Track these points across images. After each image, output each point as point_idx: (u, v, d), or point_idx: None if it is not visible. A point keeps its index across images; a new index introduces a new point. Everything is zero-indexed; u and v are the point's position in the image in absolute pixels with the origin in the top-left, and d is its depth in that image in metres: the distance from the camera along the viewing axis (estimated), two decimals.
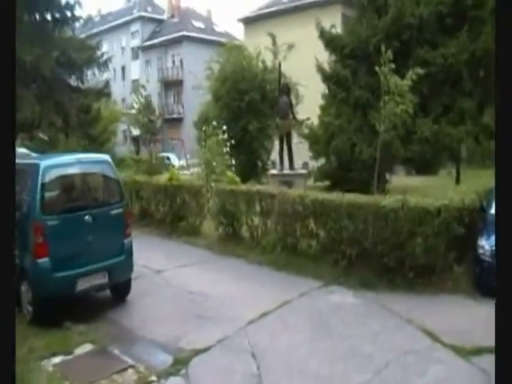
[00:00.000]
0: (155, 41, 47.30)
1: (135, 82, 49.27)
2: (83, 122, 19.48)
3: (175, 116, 44.81)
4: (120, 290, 7.09)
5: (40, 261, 6.00)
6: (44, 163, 6.25)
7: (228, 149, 16.87)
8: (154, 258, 9.32)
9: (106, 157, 7.00)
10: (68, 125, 19.40)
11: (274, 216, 8.99)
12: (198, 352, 5.52)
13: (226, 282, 7.88)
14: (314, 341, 5.72)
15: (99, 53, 21.17)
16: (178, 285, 7.78)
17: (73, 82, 19.60)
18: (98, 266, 6.40)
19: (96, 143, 21.43)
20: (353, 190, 9.25)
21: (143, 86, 34.72)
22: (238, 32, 17.94)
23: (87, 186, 6.72)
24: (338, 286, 7.44)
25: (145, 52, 48.60)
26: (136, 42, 49.08)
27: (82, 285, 6.29)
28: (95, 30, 51.37)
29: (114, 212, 6.58)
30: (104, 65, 20.30)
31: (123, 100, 46.21)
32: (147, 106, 44.10)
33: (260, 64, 16.92)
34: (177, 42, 45.31)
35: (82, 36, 22.67)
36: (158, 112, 44.98)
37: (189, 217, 11.38)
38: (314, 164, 17.73)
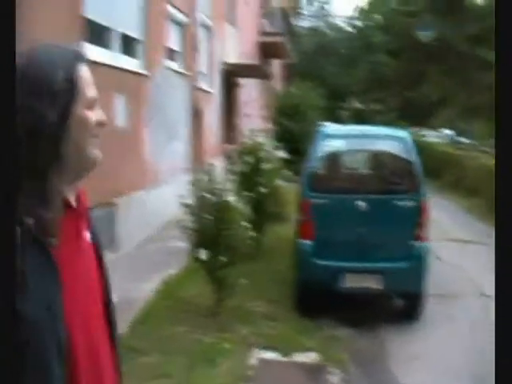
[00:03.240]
0: None
1: None
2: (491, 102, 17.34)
3: None
4: (406, 305, 5.59)
5: (302, 242, 5.25)
6: (319, 132, 5.34)
7: None
8: None
9: (402, 133, 5.42)
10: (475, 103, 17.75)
11: None
12: None
13: None
14: None
15: None
16: None
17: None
18: (370, 266, 5.15)
19: None
20: None
21: None
22: None
23: (368, 165, 5.40)
24: None
25: None
26: None
27: (349, 282, 5.19)
28: None
29: (401, 204, 5.06)
30: None
31: None
32: None
33: None
34: None
35: None
36: None
37: None
38: None
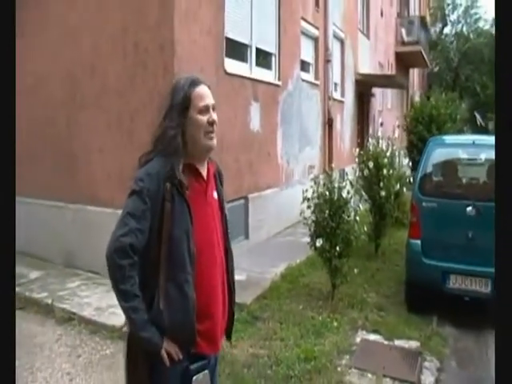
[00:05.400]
0: None
1: None
2: None
3: None
4: None
5: (412, 241, 5.66)
6: (432, 140, 5.70)
7: None
8: None
9: None
10: None
11: None
12: None
13: None
14: None
15: None
16: None
17: None
18: (478, 270, 5.33)
19: None
20: None
21: None
22: None
23: (478, 172, 5.62)
24: None
25: None
26: None
27: (456, 283, 5.44)
28: None
29: None
30: None
31: None
32: None
33: None
34: None
35: None
36: None
37: None
38: None
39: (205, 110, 2.05)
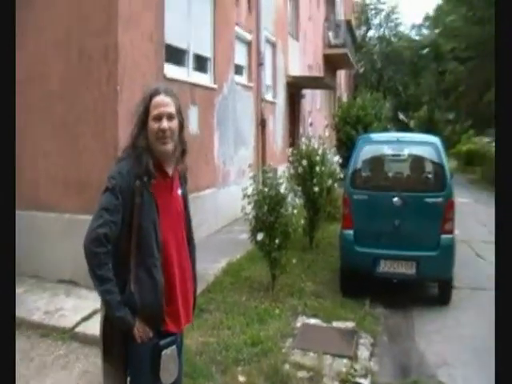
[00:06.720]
0: None
1: None
2: None
3: None
4: (439, 291, 6.31)
5: (345, 232, 6.16)
6: (361, 138, 6.27)
7: None
8: None
9: (433, 139, 6.27)
10: None
11: None
12: None
13: None
14: None
15: None
16: None
17: None
18: (404, 254, 5.93)
19: None
20: None
21: None
22: None
23: (402, 166, 6.24)
24: None
25: None
26: None
27: (385, 267, 5.99)
28: None
29: (429, 200, 5.85)
30: None
31: None
32: None
33: None
34: None
35: None
36: None
37: None
38: None
39: (158, 117, 2.26)
